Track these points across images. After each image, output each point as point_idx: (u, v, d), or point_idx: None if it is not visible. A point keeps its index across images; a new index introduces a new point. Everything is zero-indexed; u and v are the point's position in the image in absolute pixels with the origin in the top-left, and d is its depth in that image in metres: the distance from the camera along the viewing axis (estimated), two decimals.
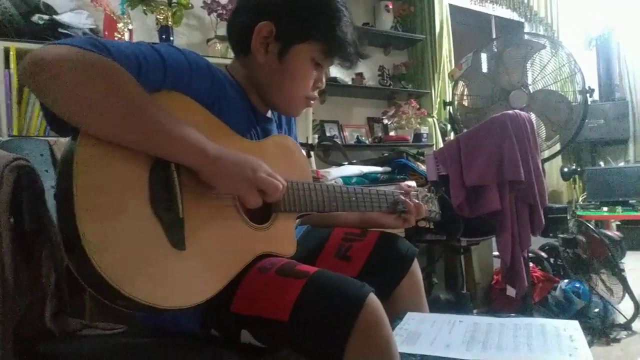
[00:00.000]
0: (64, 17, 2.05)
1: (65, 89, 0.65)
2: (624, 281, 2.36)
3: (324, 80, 1.02)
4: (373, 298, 0.74)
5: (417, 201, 1.15)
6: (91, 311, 0.99)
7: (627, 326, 2.25)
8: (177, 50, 0.83)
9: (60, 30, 2.01)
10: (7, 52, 1.89)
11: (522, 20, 4.78)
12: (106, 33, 2.25)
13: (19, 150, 1.01)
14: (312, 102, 1.02)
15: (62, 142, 1.06)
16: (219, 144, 0.77)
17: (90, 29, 2.13)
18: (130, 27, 2.35)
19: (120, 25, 2.29)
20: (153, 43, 0.80)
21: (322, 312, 0.72)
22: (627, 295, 2.33)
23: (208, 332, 0.83)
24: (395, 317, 0.99)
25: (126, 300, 0.64)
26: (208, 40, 2.75)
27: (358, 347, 0.70)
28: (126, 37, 2.31)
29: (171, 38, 2.48)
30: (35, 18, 1.99)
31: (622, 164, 4.77)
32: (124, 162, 0.69)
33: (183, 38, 2.79)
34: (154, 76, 0.76)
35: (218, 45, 2.68)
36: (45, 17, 2.01)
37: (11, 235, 0.76)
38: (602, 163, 4.86)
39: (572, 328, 0.90)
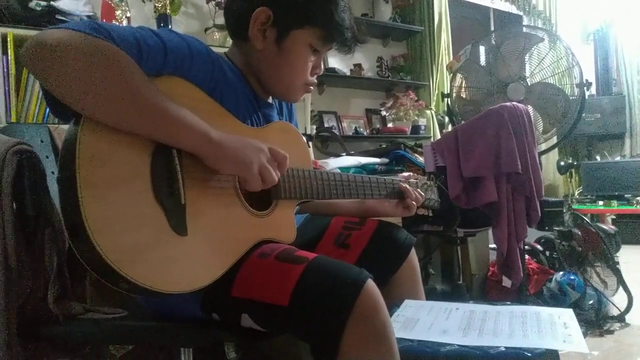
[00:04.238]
0: (62, 4, 2.03)
1: (69, 74, 0.65)
2: (618, 274, 2.38)
3: (322, 66, 1.02)
4: (371, 284, 0.75)
5: (405, 185, 1.16)
6: (92, 297, 1.00)
7: (620, 318, 2.27)
8: (178, 35, 0.83)
9: (57, 16, 2.00)
10: (4, 38, 1.88)
11: (521, 13, 4.78)
12: (104, 20, 2.24)
13: (20, 137, 1.01)
14: (310, 87, 1.03)
15: (62, 129, 1.06)
16: (220, 130, 0.78)
17: (88, 16, 2.11)
18: (128, 14, 2.33)
19: (118, 12, 2.27)
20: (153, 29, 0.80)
21: (321, 297, 0.73)
22: (621, 287, 2.36)
23: (209, 317, 0.83)
24: (393, 305, 1.00)
25: (128, 283, 0.65)
26: (206, 29, 2.73)
27: (355, 331, 0.71)
28: (124, 24, 2.29)
29: (169, 26, 2.47)
30: (33, 4, 1.98)
31: (618, 159, 4.80)
32: (126, 147, 0.69)
33: (181, 26, 2.77)
34: (154, 61, 0.75)
35: (216, 34, 2.67)
36: (43, 3, 2.00)
37: (14, 219, 0.76)
38: (598, 157, 4.89)
39: (566, 316, 0.92)
